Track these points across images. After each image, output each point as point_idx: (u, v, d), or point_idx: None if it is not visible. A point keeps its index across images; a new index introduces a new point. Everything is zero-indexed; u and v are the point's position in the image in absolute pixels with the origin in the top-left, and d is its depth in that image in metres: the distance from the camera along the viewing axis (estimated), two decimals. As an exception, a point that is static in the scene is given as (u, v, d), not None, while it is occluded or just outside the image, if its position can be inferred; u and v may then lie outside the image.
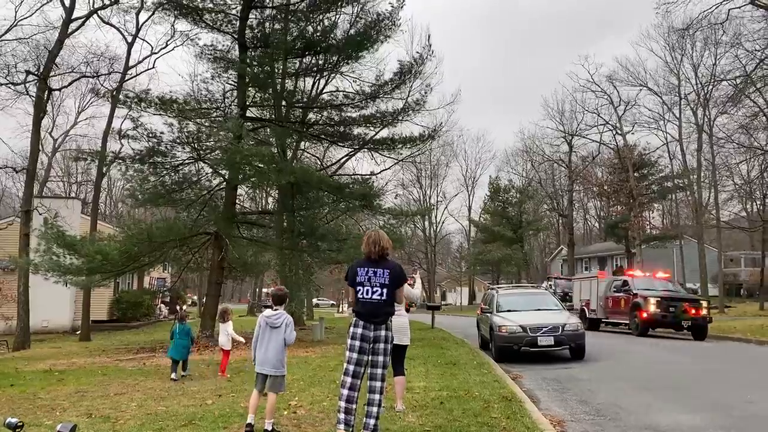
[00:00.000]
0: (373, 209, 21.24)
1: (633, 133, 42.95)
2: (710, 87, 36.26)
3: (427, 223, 63.27)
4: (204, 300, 23.56)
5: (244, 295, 75.23)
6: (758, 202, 42.17)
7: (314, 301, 49.70)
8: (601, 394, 8.69)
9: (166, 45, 29.55)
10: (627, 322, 20.15)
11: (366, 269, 5.53)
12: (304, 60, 21.61)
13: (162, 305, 38.28)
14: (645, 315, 18.71)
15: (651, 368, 11.78)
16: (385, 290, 5.46)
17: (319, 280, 31.94)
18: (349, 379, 5.40)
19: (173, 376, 10.90)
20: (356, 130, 21.76)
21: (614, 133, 43.61)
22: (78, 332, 24.58)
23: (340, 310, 55.80)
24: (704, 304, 19.15)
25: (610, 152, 45.65)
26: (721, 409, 7.45)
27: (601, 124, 44.31)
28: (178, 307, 27.19)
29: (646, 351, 14.89)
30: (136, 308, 31.35)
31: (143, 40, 47.09)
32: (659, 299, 18.81)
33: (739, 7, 24.30)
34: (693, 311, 18.42)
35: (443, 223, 68.05)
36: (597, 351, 14.03)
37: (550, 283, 33.81)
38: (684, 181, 42.69)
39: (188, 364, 11.46)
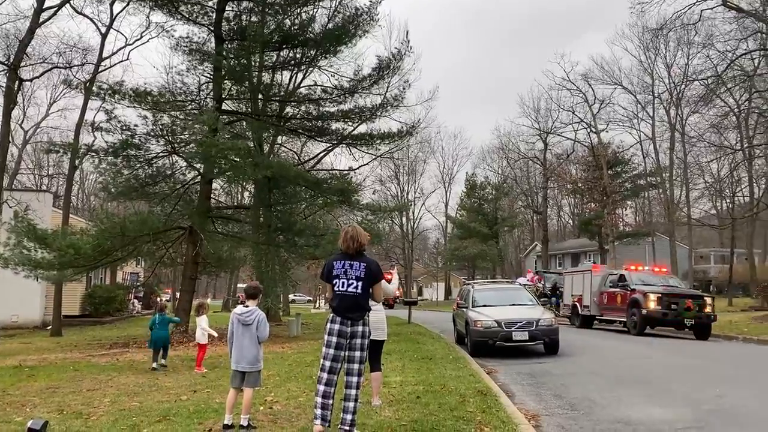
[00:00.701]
0: (351, 205, 21.25)
1: (607, 131, 43.65)
2: (683, 86, 37.06)
3: (404, 219, 63.45)
4: (178, 295, 23.32)
5: (219, 290, 74.58)
6: (728, 200, 43.08)
7: (290, 296, 49.48)
8: (574, 389, 8.79)
9: (141, 36, 28.99)
10: (623, 319, 18.75)
11: (342, 262, 5.53)
12: (281, 53, 21.42)
13: (135, 300, 37.80)
14: (644, 312, 17.28)
15: (624, 363, 11.93)
16: (360, 284, 5.47)
17: (296, 275, 31.76)
18: (325, 375, 5.40)
19: (154, 365, 11.08)
20: (334, 125, 21.73)
21: (589, 131, 44.09)
22: (49, 327, 24.15)
23: (317, 305, 55.65)
24: (708, 300, 17.61)
25: (584, 150, 46.12)
26: (692, 403, 7.59)
27: (576, 122, 44.77)
28: (158, 299, 27.15)
29: (620, 346, 15.10)
30: (108, 303, 30.93)
31: (117, 31, 46.48)
32: (660, 295, 17.28)
33: (712, 8, 24.82)
34: (697, 308, 17.05)
35: (420, 219, 68.54)
36: (572, 347, 14.22)
37: (526, 279, 33.45)
38: (656, 179, 43.39)
39: (167, 351, 11.51)
